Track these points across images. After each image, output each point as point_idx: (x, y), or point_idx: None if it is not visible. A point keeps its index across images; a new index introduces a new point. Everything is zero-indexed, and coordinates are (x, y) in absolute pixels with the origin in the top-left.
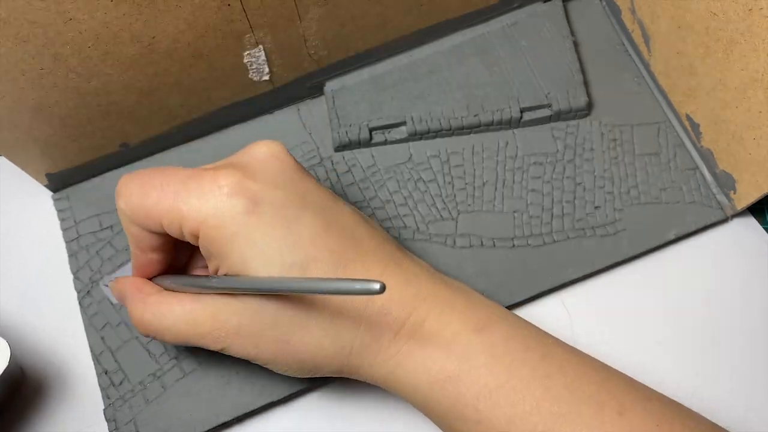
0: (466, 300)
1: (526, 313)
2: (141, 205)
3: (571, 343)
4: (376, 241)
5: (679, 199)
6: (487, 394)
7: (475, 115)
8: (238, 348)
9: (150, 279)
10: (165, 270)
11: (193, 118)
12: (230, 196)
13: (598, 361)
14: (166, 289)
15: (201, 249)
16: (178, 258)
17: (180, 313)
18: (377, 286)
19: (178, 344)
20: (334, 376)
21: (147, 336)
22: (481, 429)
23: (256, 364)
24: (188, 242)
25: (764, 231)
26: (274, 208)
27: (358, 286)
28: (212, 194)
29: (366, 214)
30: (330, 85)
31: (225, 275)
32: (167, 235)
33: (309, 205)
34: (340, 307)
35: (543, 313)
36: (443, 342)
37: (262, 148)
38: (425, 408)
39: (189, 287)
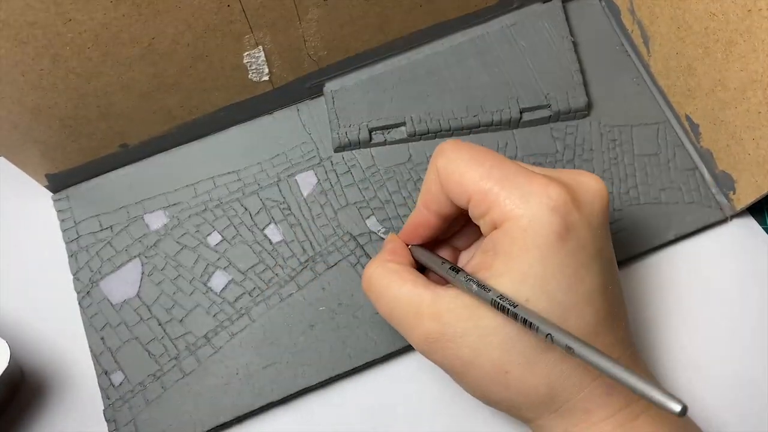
0: None
1: None
2: (460, 173)
3: None
4: (625, 320)
5: (679, 200)
6: None
7: (474, 116)
8: (441, 355)
9: (409, 245)
10: (430, 238)
11: (192, 119)
12: (552, 211)
13: None
14: (415, 260)
15: (487, 240)
16: (455, 240)
17: (406, 292)
18: (678, 408)
19: (383, 316)
20: (506, 413)
21: (365, 290)
22: None
23: (256, 365)
24: (459, 226)
25: (763, 231)
26: (578, 245)
27: (657, 396)
28: (537, 200)
29: (366, 214)
30: (329, 86)
31: (484, 286)
32: (458, 209)
33: (602, 258)
34: (575, 365)
35: None
36: None
37: (594, 184)
38: None
39: (440, 270)
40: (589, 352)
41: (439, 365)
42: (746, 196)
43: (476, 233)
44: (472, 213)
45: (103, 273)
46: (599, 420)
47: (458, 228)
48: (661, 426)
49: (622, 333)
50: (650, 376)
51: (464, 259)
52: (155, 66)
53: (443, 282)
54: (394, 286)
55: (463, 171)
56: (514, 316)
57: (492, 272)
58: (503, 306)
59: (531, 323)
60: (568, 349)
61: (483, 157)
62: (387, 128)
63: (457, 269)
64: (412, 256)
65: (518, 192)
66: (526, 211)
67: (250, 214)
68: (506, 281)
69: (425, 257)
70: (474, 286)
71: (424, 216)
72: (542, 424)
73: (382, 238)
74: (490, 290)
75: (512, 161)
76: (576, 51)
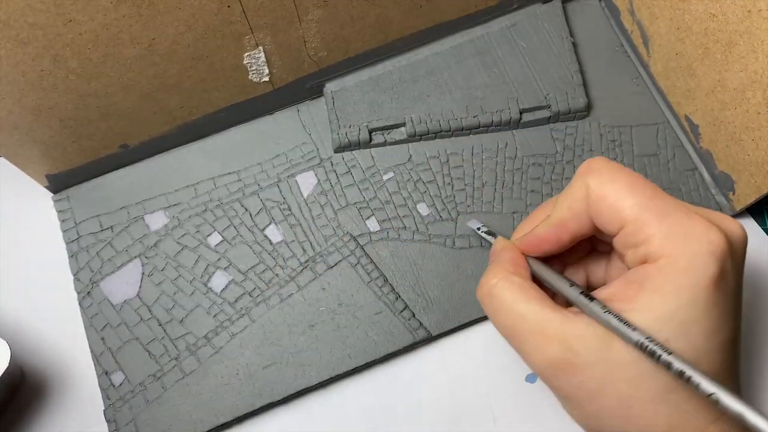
0: None
1: None
2: (616, 197)
3: None
4: (739, 370)
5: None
6: None
7: (474, 116)
8: (565, 381)
9: (528, 257)
10: (551, 254)
11: (193, 120)
12: (711, 256)
13: None
14: (534, 273)
15: (633, 272)
16: (566, 255)
17: (533, 311)
18: None
19: (500, 331)
20: None
21: (481, 300)
22: None
23: (256, 365)
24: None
25: (763, 232)
26: (727, 293)
27: None
28: (698, 242)
29: (366, 214)
30: (330, 87)
31: (626, 322)
32: (595, 232)
33: (740, 308)
34: (698, 407)
35: None
36: None
37: (740, 231)
38: None
39: (569, 293)
40: (756, 419)
41: (557, 391)
42: (746, 197)
43: (588, 252)
44: (622, 242)
45: (103, 273)
46: None
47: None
48: None
49: (738, 383)
50: None
51: (574, 276)
52: (155, 67)
53: (564, 302)
54: (520, 302)
55: (621, 196)
56: (665, 364)
57: (634, 306)
58: (651, 350)
59: (689, 377)
60: (729, 411)
61: (642, 185)
62: (387, 129)
63: (589, 296)
64: (531, 270)
65: (680, 231)
66: (684, 251)
67: (251, 215)
68: (648, 317)
69: (548, 275)
70: (614, 320)
71: (556, 232)
72: None
73: (482, 237)
74: (635, 329)
75: (670, 196)
76: (576, 52)
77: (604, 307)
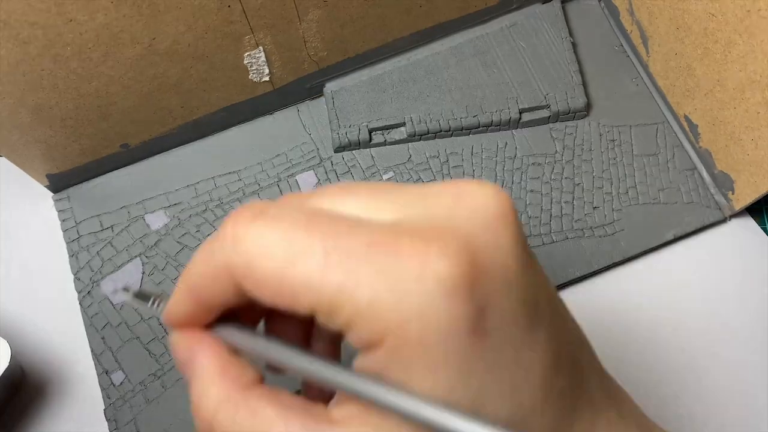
0: None
1: None
2: (278, 274)
3: None
4: (597, 365)
5: (678, 200)
6: None
7: (474, 116)
8: None
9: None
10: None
11: (193, 119)
12: (449, 298)
13: None
14: (229, 345)
15: (362, 359)
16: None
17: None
18: None
19: None
20: None
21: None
22: None
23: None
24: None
25: (762, 231)
26: (504, 325)
27: None
28: (419, 286)
29: None
30: (329, 86)
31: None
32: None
33: (542, 316)
34: None
35: None
36: None
37: (483, 201)
38: None
39: (309, 371)
40: None
41: None
42: (745, 196)
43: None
44: (325, 324)
45: (103, 273)
46: None
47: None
48: None
49: (606, 380)
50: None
51: None
52: (156, 66)
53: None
54: (273, 427)
55: (282, 272)
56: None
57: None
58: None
59: None
60: None
61: (304, 235)
62: (387, 128)
63: (344, 366)
64: (228, 350)
65: (386, 282)
66: (410, 311)
67: None
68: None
69: (253, 342)
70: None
71: (199, 308)
72: None
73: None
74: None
75: (347, 222)
76: (575, 51)
77: (377, 378)
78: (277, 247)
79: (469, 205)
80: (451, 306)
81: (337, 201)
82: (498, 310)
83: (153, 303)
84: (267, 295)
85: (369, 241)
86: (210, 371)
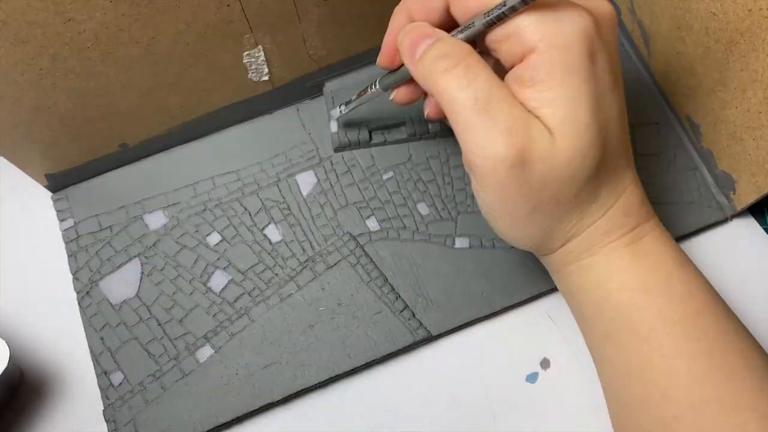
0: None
1: (526, 312)
2: None
3: (570, 343)
4: (629, 147)
5: (679, 200)
6: (664, 325)
7: None
8: (504, 173)
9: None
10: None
11: (192, 119)
12: (581, 35)
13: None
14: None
15: (515, 71)
16: None
17: (503, 95)
18: None
19: (454, 102)
20: (531, 248)
21: (434, 62)
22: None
23: (256, 365)
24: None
25: (764, 231)
26: (604, 70)
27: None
28: (569, 24)
29: (366, 214)
30: (329, 86)
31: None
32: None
33: (618, 84)
34: (607, 190)
35: (542, 314)
36: (650, 263)
37: (608, 11)
38: (595, 308)
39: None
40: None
41: (489, 178)
42: (746, 196)
43: None
44: (492, 36)
45: (102, 273)
46: (614, 239)
47: None
48: (663, 244)
49: (631, 160)
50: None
51: None
52: (155, 65)
53: None
54: (494, 79)
55: None
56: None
57: (541, 98)
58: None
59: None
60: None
61: None
62: (387, 128)
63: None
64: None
65: (550, 16)
66: (559, 34)
67: (250, 214)
68: (562, 105)
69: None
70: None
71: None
72: (564, 250)
73: (354, 104)
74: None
75: None
76: None
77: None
78: None
79: (596, 3)
80: (581, 40)
81: None
82: (603, 61)
83: (368, 89)
84: (466, 4)
85: None
86: (439, 35)
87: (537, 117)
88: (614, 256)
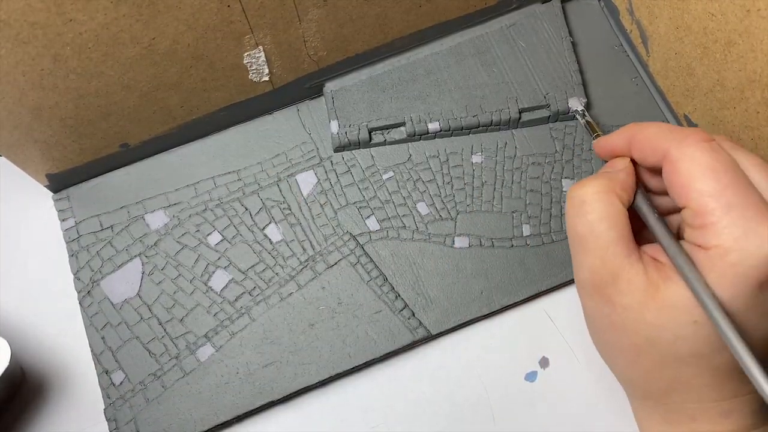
0: None
1: (525, 312)
2: (689, 176)
3: (568, 342)
4: None
5: None
6: None
7: (473, 116)
8: (595, 303)
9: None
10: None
11: (193, 119)
12: (764, 258)
13: None
14: (635, 205)
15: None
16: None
17: (607, 237)
18: None
19: (567, 230)
20: (624, 383)
21: (571, 195)
22: None
23: (256, 364)
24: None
25: None
26: None
27: None
28: (756, 241)
29: (365, 214)
30: (329, 86)
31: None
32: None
33: None
34: (725, 376)
35: (541, 313)
36: None
37: None
38: None
39: (672, 248)
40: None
41: (593, 317)
42: None
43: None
44: (684, 218)
45: (103, 272)
46: (702, 429)
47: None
48: None
49: None
50: None
51: None
52: (156, 66)
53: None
54: (605, 222)
55: (694, 177)
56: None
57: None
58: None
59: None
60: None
61: (722, 170)
62: (387, 128)
63: (682, 249)
64: (635, 201)
65: (741, 225)
66: (739, 247)
67: (251, 214)
68: (688, 297)
69: (649, 214)
70: (699, 284)
71: (620, 143)
72: (648, 405)
73: (583, 120)
74: (717, 303)
75: (748, 183)
76: (575, 51)
77: (692, 265)
78: (702, 161)
79: None
80: (762, 262)
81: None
82: None
83: (593, 134)
84: (673, 186)
85: (749, 197)
86: (618, 179)
87: None
88: None
